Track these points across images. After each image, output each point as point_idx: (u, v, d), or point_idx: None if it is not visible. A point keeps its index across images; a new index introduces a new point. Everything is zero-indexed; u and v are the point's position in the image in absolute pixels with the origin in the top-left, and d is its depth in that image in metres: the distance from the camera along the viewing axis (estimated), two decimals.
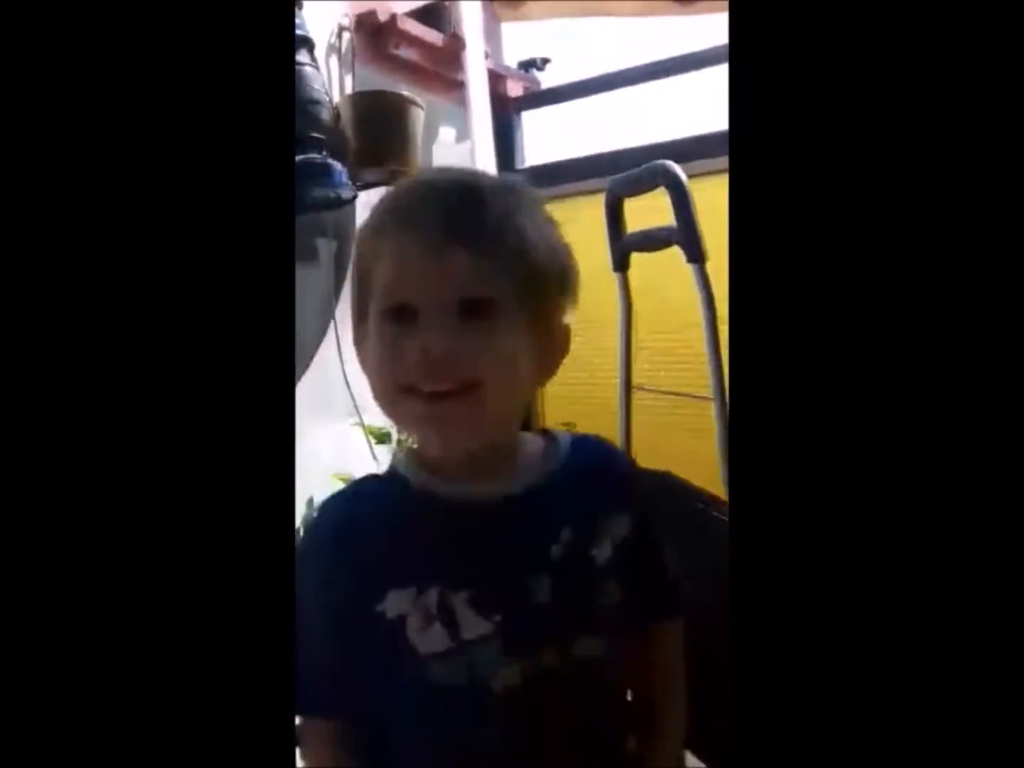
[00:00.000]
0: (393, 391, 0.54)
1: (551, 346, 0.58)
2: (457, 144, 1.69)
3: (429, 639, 0.54)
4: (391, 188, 0.59)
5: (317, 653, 0.54)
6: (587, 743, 0.58)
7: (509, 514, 0.57)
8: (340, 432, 1.30)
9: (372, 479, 0.62)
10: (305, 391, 1.33)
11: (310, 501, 1.20)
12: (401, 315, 0.53)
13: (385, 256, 0.54)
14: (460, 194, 0.55)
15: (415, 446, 0.61)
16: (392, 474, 0.60)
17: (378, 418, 1.33)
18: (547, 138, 1.88)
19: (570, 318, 0.60)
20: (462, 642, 0.54)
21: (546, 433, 0.62)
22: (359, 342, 0.59)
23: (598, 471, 0.61)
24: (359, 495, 0.61)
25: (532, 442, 0.61)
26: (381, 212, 0.56)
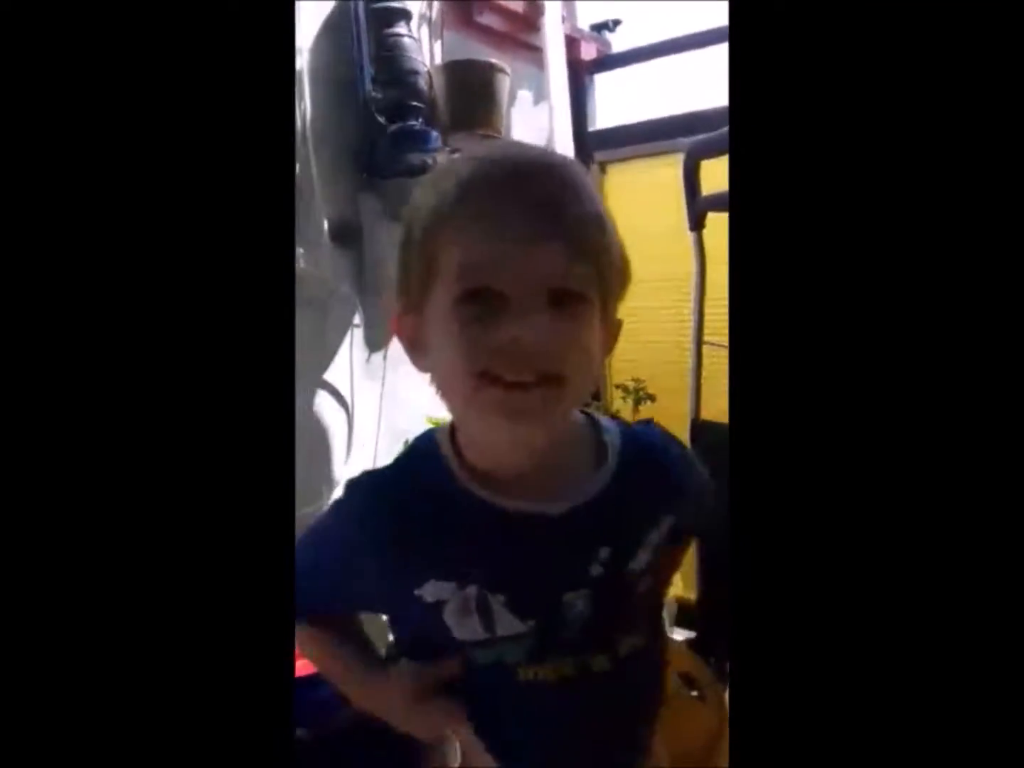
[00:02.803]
0: (472, 377, 0.51)
1: (610, 339, 0.58)
2: (535, 107, 1.75)
3: (465, 628, 0.56)
4: (448, 169, 0.55)
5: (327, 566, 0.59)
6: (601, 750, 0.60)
7: (552, 532, 0.56)
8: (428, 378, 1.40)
9: (423, 459, 0.60)
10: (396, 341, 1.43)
11: (406, 442, 1.30)
12: (484, 301, 0.51)
13: (463, 237, 0.51)
14: (548, 178, 0.52)
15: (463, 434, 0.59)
16: (434, 453, 0.58)
17: None
18: (618, 101, 1.92)
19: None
20: (495, 637, 0.56)
21: (597, 429, 0.60)
22: (416, 335, 0.55)
23: (647, 481, 0.59)
24: (412, 477, 0.59)
25: (583, 446, 0.59)
26: (451, 192, 0.52)
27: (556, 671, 0.56)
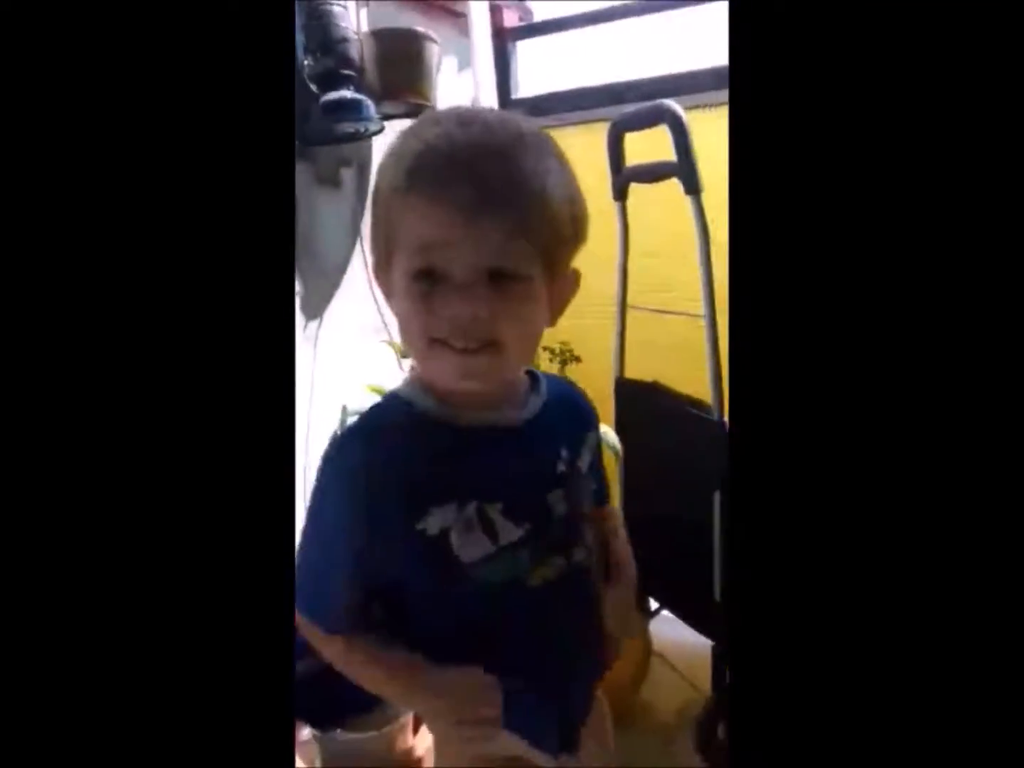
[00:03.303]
0: (425, 343, 0.58)
1: (563, 291, 0.63)
2: (458, 74, 1.76)
3: (472, 546, 0.60)
4: (414, 138, 0.57)
5: (339, 565, 0.61)
6: (591, 630, 0.69)
7: (523, 437, 0.64)
8: (371, 347, 1.43)
9: (394, 406, 0.64)
10: (336, 308, 1.45)
11: (344, 408, 1.33)
12: (431, 278, 0.56)
13: (413, 216, 0.55)
14: (492, 159, 0.54)
15: (421, 377, 0.64)
16: (410, 402, 0.63)
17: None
18: (540, 69, 1.95)
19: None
20: (500, 547, 0.61)
21: (529, 372, 0.69)
22: (387, 289, 0.62)
23: (572, 400, 0.71)
24: (388, 422, 0.63)
25: (523, 380, 0.68)
26: (405, 168, 0.56)
27: (554, 569, 0.64)
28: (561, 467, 0.66)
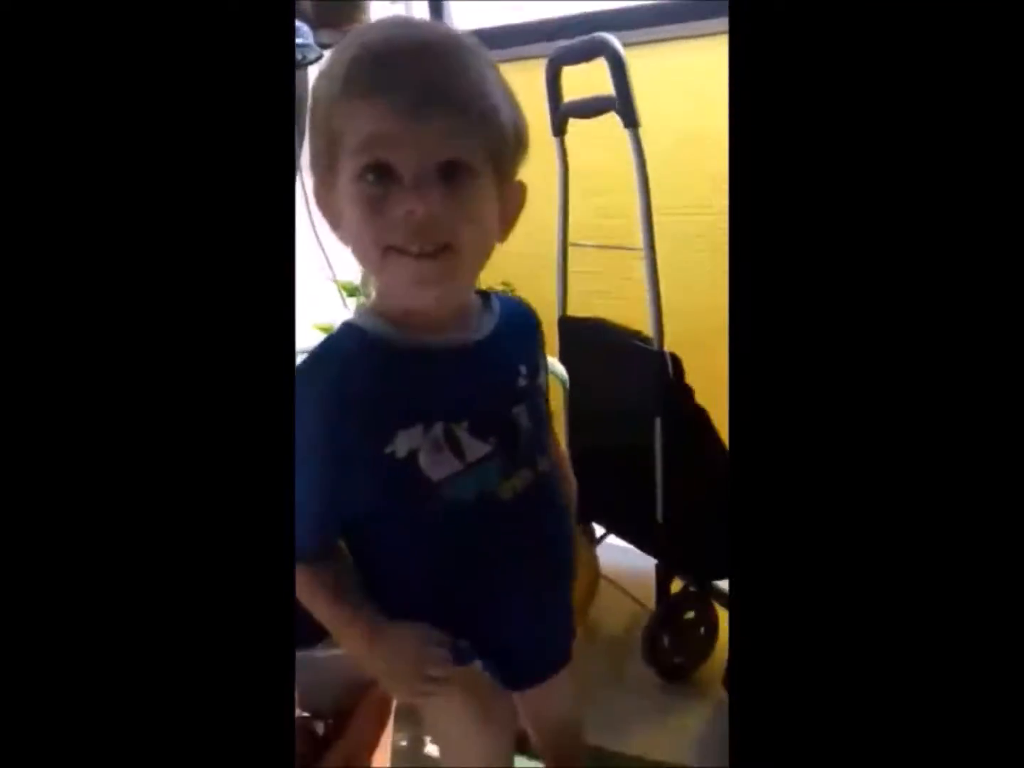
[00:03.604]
0: (379, 251, 0.57)
1: (512, 204, 0.63)
2: (392, 4, 1.71)
3: (440, 465, 0.61)
4: (349, 45, 0.56)
5: (312, 495, 0.59)
6: (565, 539, 0.72)
7: (481, 355, 0.65)
8: (314, 287, 1.41)
9: (348, 334, 0.64)
10: None
11: None
12: (380, 176, 0.55)
13: (361, 116, 0.54)
14: (433, 57, 0.54)
15: (375, 303, 0.65)
16: (363, 331, 0.63)
17: (347, 274, 1.45)
18: (474, 5, 1.91)
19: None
20: (469, 464, 0.62)
21: (480, 292, 0.70)
22: (327, 204, 0.60)
23: (525, 318, 0.72)
24: (343, 349, 0.63)
25: (475, 300, 0.68)
26: (344, 73, 0.55)
27: (522, 480, 0.65)
28: (522, 382, 0.68)
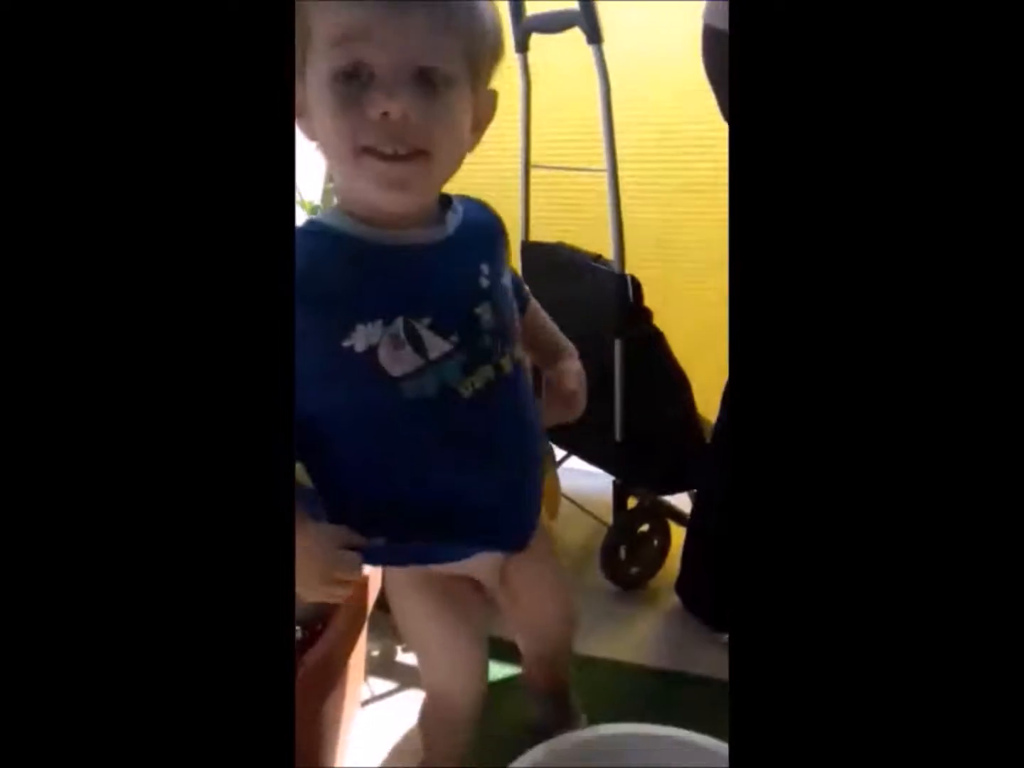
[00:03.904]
0: (352, 152, 0.57)
1: (484, 111, 0.64)
2: None
3: (401, 361, 0.62)
4: None
5: None
6: (534, 432, 0.74)
7: (443, 253, 0.65)
8: None
9: (312, 230, 0.64)
10: None
11: None
12: (356, 76, 0.55)
13: (332, 13, 0.54)
14: None
15: (341, 201, 0.64)
16: (326, 226, 0.63)
17: (309, 194, 1.41)
18: None
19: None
20: (429, 361, 0.63)
21: (444, 195, 0.70)
22: (299, 115, 0.59)
23: (488, 221, 0.72)
24: (310, 244, 0.62)
25: (440, 201, 0.69)
26: None
27: (483, 378, 0.67)
28: (484, 282, 0.68)
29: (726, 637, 1.24)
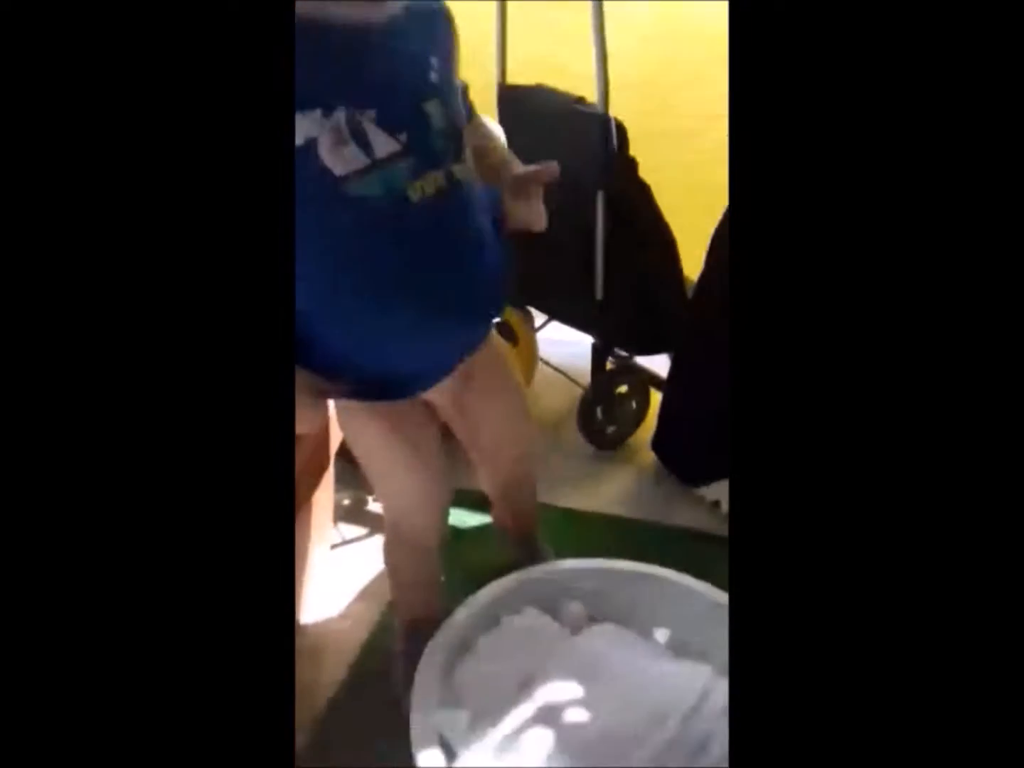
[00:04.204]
0: None
1: None
2: None
3: (345, 159, 0.58)
4: None
5: None
6: (477, 249, 0.69)
7: (388, 37, 0.61)
8: None
9: None
10: None
11: None
12: None
13: None
14: None
15: None
16: None
17: None
18: None
19: None
20: (376, 160, 0.59)
21: None
22: None
23: (436, 10, 0.67)
24: None
25: None
26: None
27: (434, 183, 0.63)
28: (433, 76, 0.63)
29: (700, 491, 1.24)
